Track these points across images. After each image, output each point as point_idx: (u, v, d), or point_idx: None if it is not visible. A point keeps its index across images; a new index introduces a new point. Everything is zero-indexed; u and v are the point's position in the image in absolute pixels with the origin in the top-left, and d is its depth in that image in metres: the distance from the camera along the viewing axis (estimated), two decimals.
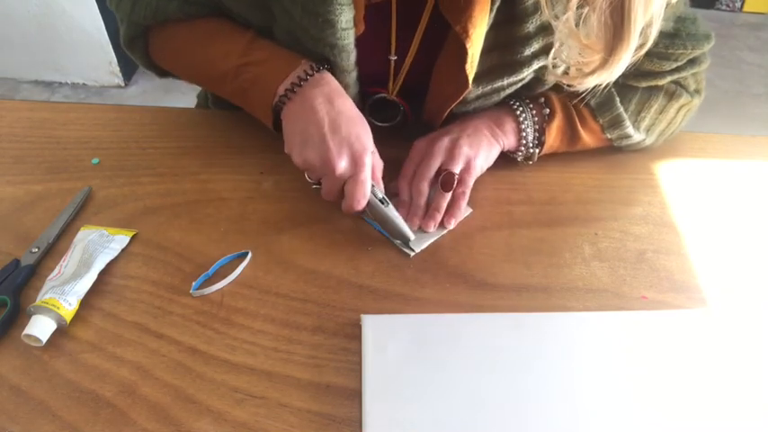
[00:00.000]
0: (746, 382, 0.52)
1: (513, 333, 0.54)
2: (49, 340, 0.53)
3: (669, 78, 0.69)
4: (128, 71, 2.22)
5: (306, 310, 0.57)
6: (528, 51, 0.62)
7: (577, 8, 0.48)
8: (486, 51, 0.61)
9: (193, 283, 0.58)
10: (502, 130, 0.68)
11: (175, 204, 0.67)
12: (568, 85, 0.56)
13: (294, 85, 0.61)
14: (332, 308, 0.57)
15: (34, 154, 0.72)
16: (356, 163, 0.59)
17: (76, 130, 0.76)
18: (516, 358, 0.52)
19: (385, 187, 0.64)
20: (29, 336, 0.52)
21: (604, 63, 0.51)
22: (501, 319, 0.56)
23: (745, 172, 0.75)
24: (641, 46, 0.50)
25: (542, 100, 0.70)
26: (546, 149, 0.71)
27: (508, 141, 0.69)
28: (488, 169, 0.69)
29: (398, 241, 0.63)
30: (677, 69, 0.68)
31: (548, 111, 0.69)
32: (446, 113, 0.68)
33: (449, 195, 0.65)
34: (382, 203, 0.61)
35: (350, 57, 0.62)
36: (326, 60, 0.62)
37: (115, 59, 2.14)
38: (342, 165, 0.58)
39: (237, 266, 0.60)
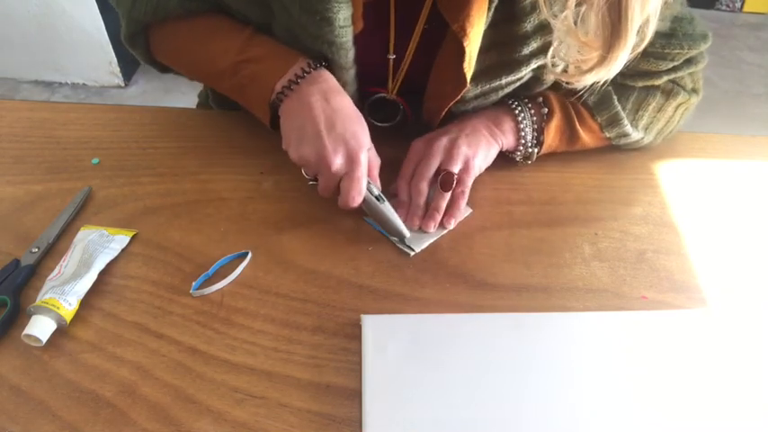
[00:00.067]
0: (746, 382, 0.52)
1: (513, 333, 0.54)
2: (49, 340, 0.53)
3: (666, 78, 0.69)
4: (128, 71, 2.22)
5: (306, 310, 0.57)
6: (526, 50, 0.62)
7: (575, 6, 0.48)
8: (484, 50, 0.62)
9: (193, 283, 0.58)
10: (500, 129, 0.68)
11: (175, 204, 0.67)
12: (567, 83, 0.57)
13: (291, 82, 0.61)
14: (332, 308, 0.57)
15: (34, 154, 0.72)
16: (352, 160, 0.59)
17: (76, 130, 0.76)
18: (516, 358, 0.52)
19: (385, 189, 0.64)
20: (29, 336, 0.52)
21: (602, 60, 0.51)
22: (501, 319, 0.56)
23: (745, 172, 0.75)
24: (639, 43, 0.51)
25: (541, 99, 0.70)
26: (545, 149, 0.71)
27: (507, 141, 0.69)
28: (488, 169, 0.69)
29: (395, 239, 0.63)
30: (674, 69, 0.68)
31: (546, 110, 0.69)
32: (444, 112, 0.68)
33: (448, 195, 0.65)
34: (378, 200, 0.61)
35: (348, 54, 0.62)
36: (324, 58, 0.62)
37: (115, 59, 2.14)
38: (337, 162, 0.59)
39: (237, 266, 0.60)
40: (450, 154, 0.66)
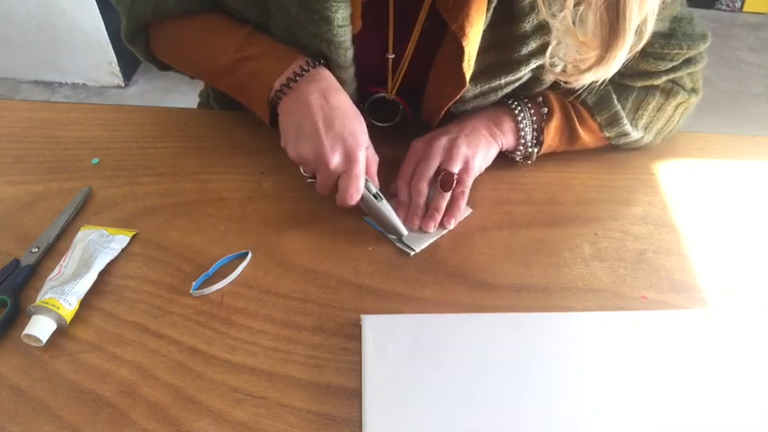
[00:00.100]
0: (746, 382, 0.52)
1: (513, 333, 0.54)
2: (49, 340, 0.53)
3: (665, 78, 0.69)
4: (128, 71, 2.22)
5: (306, 310, 0.57)
6: (525, 50, 0.62)
7: (574, 6, 0.48)
8: (483, 50, 0.62)
9: (193, 283, 0.58)
10: (500, 129, 0.68)
11: (175, 204, 0.67)
12: (565, 83, 0.57)
13: (290, 80, 0.61)
14: (332, 308, 0.57)
15: (34, 154, 0.72)
16: (350, 158, 0.59)
17: (76, 130, 0.76)
18: (516, 358, 0.52)
19: (384, 189, 0.64)
20: (29, 336, 0.52)
21: (600, 60, 0.51)
22: (501, 319, 0.56)
23: (745, 172, 0.75)
24: (637, 43, 0.51)
25: (540, 99, 0.70)
26: (545, 149, 0.71)
27: (507, 141, 0.69)
28: (488, 169, 0.69)
29: (393, 237, 0.63)
30: (673, 69, 0.68)
31: (546, 110, 0.69)
32: (443, 112, 0.68)
33: (448, 195, 0.65)
34: (376, 198, 0.62)
35: (346, 53, 0.62)
36: (323, 56, 0.62)
37: (115, 59, 2.14)
38: (335, 160, 0.59)
39: (237, 266, 0.60)
40: (449, 154, 0.66)
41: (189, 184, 0.69)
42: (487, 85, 0.65)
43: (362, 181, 0.60)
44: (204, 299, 0.57)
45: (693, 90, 0.72)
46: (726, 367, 0.53)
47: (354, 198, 0.60)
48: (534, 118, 0.69)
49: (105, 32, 2.05)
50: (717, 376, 0.52)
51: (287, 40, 0.63)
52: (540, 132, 0.69)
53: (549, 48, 0.56)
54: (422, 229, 0.64)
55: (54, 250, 0.61)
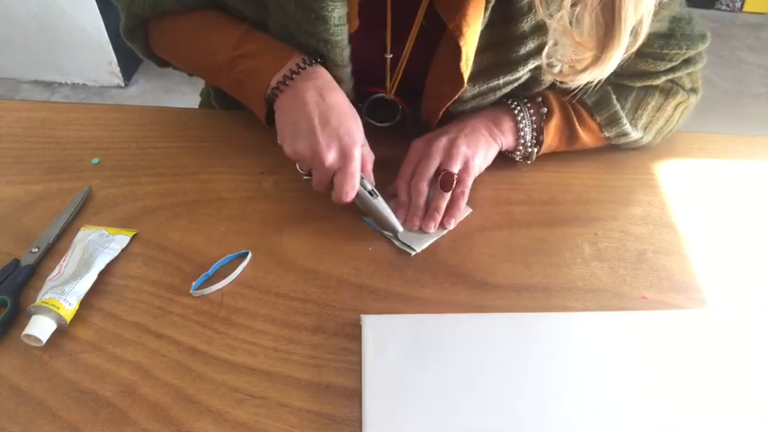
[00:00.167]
0: (746, 382, 0.52)
1: (513, 333, 0.54)
2: (49, 340, 0.53)
3: (664, 78, 0.69)
4: (128, 71, 2.22)
5: (306, 310, 0.57)
6: (523, 50, 0.62)
7: (571, 6, 0.49)
8: (481, 50, 0.62)
9: (193, 283, 0.58)
10: (500, 129, 0.68)
11: (175, 204, 0.67)
12: (561, 83, 0.57)
13: (287, 78, 0.62)
14: (332, 308, 0.57)
15: (34, 154, 0.72)
16: (345, 155, 0.59)
17: (76, 130, 0.76)
18: (516, 358, 0.52)
19: (384, 189, 0.64)
20: (29, 336, 0.52)
21: (596, 60, 0.51)
22: (501, 319, 0.56)
23: (745, 172, 0.75)
24: (632, 43, 0.51)
25: (540, 99, 0.70)
26: (544, 149, 0.71)
27: (506, 141, 0.69)
28: (488, 169, 0.69)
29: (390, 234, 0.63)
30: (672, 69, 0.68)
31: (545, 110, 0.69)
32: (442, 112, 0.68)
33: (448, 195, 0.65)
34: (371, 195, 0.62)
35: (343, 52, 0.62)
36: (320, 54, 0.62)
37: (115, 59, 2.14)
38: (331, 157, 0.59)
39: (237, 266, 0.60)
40: (449, 154, 0.66)
41: (189, 184, 0.69)
42: (486, 86, 0.65)
43: (358, 178, 0.60)
44: (204, 299, 0.57)
45: (693, 90, 0.72)
46: (726, 367, 0.53)
47: (350, 195, 0.60)
48: (534, 118, 0.69)
49: (105, 32, 2.05)
50: (717, 376, 0.52)
51: (284, 38, 0.64)
52: (539, 132, 0.69)
53: (546, 48, 0.56)
54: (422, 230, 0.64)
55: (54, 250, 0.61)
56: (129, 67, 2.21)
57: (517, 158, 0.71)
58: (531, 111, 0.69)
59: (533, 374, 0.51)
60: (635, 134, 0.72)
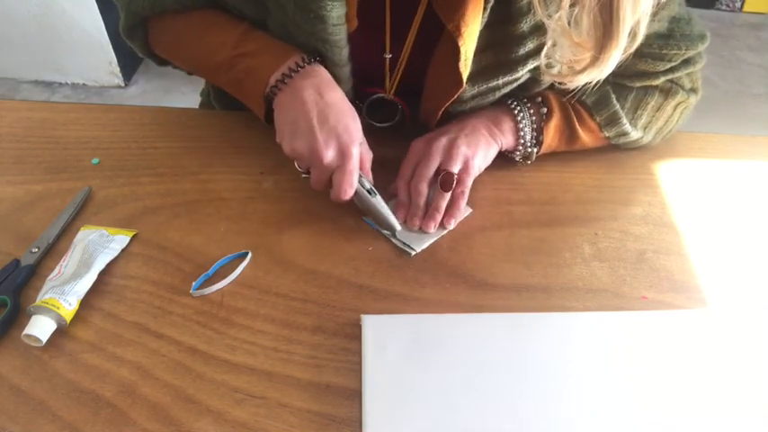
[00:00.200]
0: (746, 382, 0.52)
1: (513, 333, 0.54)
2: (49, 340, 0.53)
3: (663, 78, 0.69)
4: (128, 71, 2.22)
5: (306, 310, 0.57)
6: (522, 51, 0.62)
7: (569, 7, 0.49)
8: (480, 50, 0.62)
9: (193, 283, 0.58)
10: (500, 129, 0.68)
11: (175, 204, 0.67)
12: (560, 83, 0.57)
13: (285, 76, 0.62)
14: (332, 308, 0.57)
15: (34, 154, 0.72)
16: (343, 154, 0.59)
17: (76, 130, 0.76)
18: (516, 358, 0.52)
19: (385, 189, 0.64)
20: (29, 336, 0.52)
21: (595, 61, 0.51)
22: (501, 319, 0.56)
23: (745, 172, 0.75)
24: (631, 44, 0.51)
25: (540, 99, 0.70)
26: (544, 149, 0.71)
27: (506, 141, 0.69)
28: (488, 169, 0.69)
29: (388, 232, 0.63)
30: (671, 70, 0.68)
31: (545, 110, 0.69)
32: (441, 112, 0.68)
33: (448, 195, 0.65)
34: (370, 194, 0.62)
35: (342, 52, 0.62)
36: (319, 53, 0.62)
37: (115, 59, 2.14)
38: (329, 155, 0.59)
39: (237, 266, 0.60)
40: (449, 154, 0.66)
41: (189, 184, 0.69)
42: (485, 86, 0.65)
43: (356, 176, 0.61)
44: (204, 299, 0.57)
45: (692, 90, 0.72)
46: (726, 367, 0.53)
47: (348, 193, 0.60)
48: (534, 118, 0.69)
49: (105, 32, 2.05)
50: (717, 376, 0.52)
51: (284, 37, 0.64)
52: (539, 132, 0.69)
53: (545, 48, 0.56)
54: (422, 230, 0.64)
55: (54, 250, 0.61)
56: (129, 67, 2.21)
57: (517, 158, 0.71)
58: (531, 111, 0.69)
59: (533, 374, 0.51)
60: (635, 134, 0.72)
